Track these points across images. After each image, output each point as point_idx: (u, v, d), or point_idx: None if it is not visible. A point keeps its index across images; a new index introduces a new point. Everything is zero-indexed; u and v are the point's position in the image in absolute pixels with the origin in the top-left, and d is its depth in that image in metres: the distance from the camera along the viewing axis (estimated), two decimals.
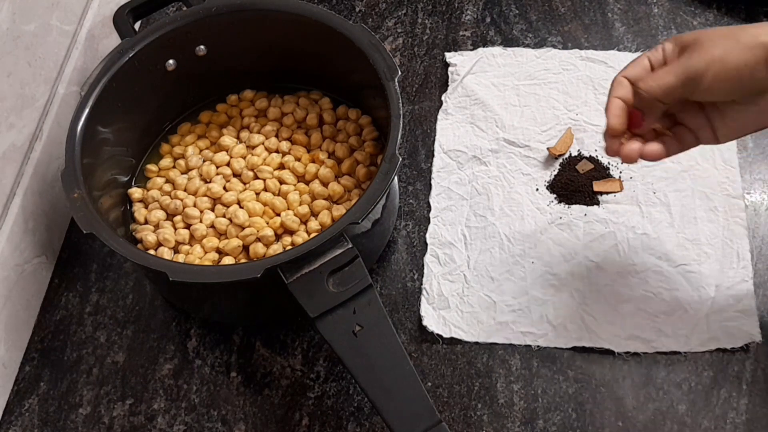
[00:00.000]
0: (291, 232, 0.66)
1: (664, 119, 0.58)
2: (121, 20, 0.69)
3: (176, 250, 0.66)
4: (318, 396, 0.62)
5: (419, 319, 0.65)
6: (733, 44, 0.52)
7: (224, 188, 0.68)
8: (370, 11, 0.84)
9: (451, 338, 0.64)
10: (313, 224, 0.66)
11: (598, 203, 0.69)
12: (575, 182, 0.70)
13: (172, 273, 0.55)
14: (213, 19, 0.69)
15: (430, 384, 0.62)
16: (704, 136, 0.57)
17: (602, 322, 0.63)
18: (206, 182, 0.69)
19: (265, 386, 0.63)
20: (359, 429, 0.61)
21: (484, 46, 0.80)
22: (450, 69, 0.79)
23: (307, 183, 0.69)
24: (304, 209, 0.66)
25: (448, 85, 0.78)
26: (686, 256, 0.66)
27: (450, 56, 0.79)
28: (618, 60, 0.77)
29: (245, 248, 0.65)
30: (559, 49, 0.79)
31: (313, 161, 0.70)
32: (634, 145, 0.57)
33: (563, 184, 0.70)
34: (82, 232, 0.57)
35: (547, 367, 0.62)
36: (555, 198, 0.70)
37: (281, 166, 0.70)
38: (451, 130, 0.75)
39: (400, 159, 0.58)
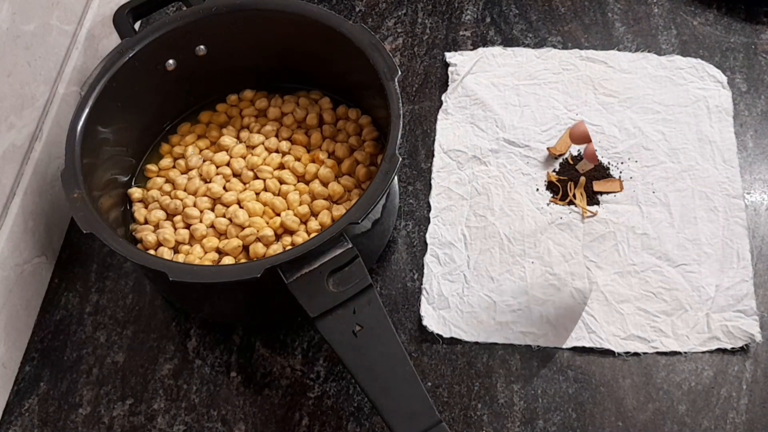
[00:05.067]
0: (291, 232, 0.66)
1: None
2: (121, 20, 0.69)
3: (176, 250, 0.66)
4: (318, 396, 0.62)
5: (419, 319, 0.65)
6: None
7: (224, 188, 0.68)
8: (370, 11, 0.84)
9: (451, 338, 0.64)
10: (313, 224, 0.66)
11: (598, 203, 0.69)
12: (575, 182, 0.70)
13: (172, 273, 0.55)
14: (213, 19, 0.69)
15: (430, 384, 0.62)
16: None
17: (602, 322, 0.63)
18: (206, 182, 0.69)
19: (265, 386, 0.63)
20: (359, 429, 0.61)
21: (484, 46, 0.80)
22: (450, 69, 0.79)
23: (307, 183, 0.69)
24: (304, 209, 0.66)
25: (448, 85, 0.78)
26: (686, 256, 0.66)
27: (450, 56, 0.79)
28: (618, 60, 0.77)
29: (245, 248, 0.65)
30: (559, 49, 0.79)
31: (313, 161, 0.70)
32: None
33: (563, 184, 0.70)
34: (82, 232, 0.57)
35: (547, 367, 0.62)
36: (555, 198, 0.70)
37: (281, 166, 0.70)
38: (451, 130, 0.75)
39: (400, 159, 0.58)
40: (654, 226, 0.67)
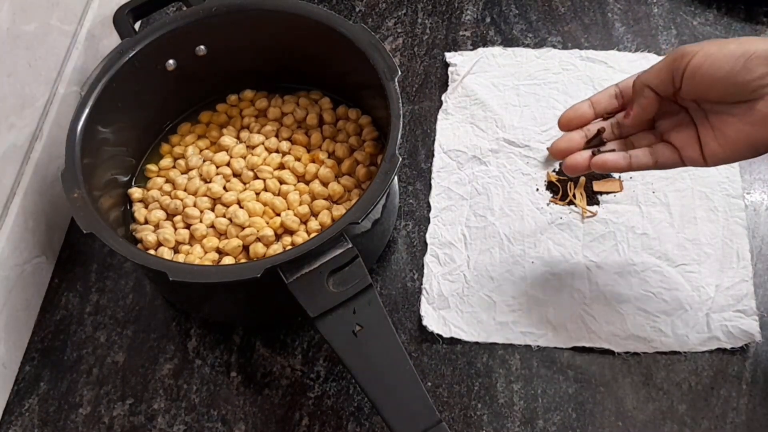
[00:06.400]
0: (291, 232, 0.66)
1: (650, 135, 0.58)
2: (121, 20, 0.69)
3: (176, 250, 0.66)
4: (318, 396, 0.62)
5: (419, 319, 0.65)
6: (731, 41, 0.52)
7: (224, 188, 0.68)
8: (370, 11, 0.84)
9: (451, 338, 0.64)
10: (313, 224, 0.66)
11: (598, 203, 0.69)
12: (575, 182, 0.70)
13: (172, 273, 0.55)
14: (213, 19, 0.69)
15: (430, 384, 0.62)
16: (689, 154, 0.55)
17: (602, 322, 0.63)
18: (206, 182, 0.69)
19: (265, 386, 0.63)
20: (359, 429, 0.61)
21: (484, 46, 0.80)
22: (450, 69, 0.79)
23: (307, 183, 0.69)
24: (304, 209, 0.66)
25: (448, 85, 0.78)
26: (686, 256, 0.66)
27: (450, 56, 0.79)
28: (618, 60, 0.77)
29: (245, 248, 0.65)
30: (559, 49, 0.79)
31: (313, 161, 0.70)
32: (578, 156, 0.57)
33: (563, 184, 0.70)
34: (82, 232, 0.57)
35: (547, 367, 0.62)
36: (555, 198, 0.70)
37: (281, 166, 0.70)
38: (451, 130, 0.75)
39: (400, 159, 0.58)
40: (654, 226, 0.67)
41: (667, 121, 0.57)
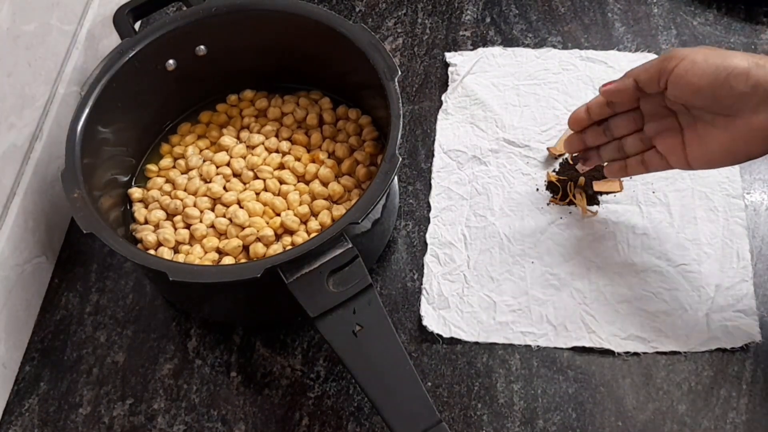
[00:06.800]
0: (291, 232, 0.66)
1: (638, 139, 0.60)
2: (121, 20, 0.69)
3: (176, 250, 0.66)
4: (318, 396, 0.62)
5: (419, 319, 0.65)
6: (718, 53, 0.53)
7: (224, 188, 0.68)
8: (370, 11, 0.84)
9: (451, 338, 0.64)
10: (313, 224, 0.66)
11: (598, 203, 0.69)
12: (575, 182, 0.70)
13: (172, 273, 0.55)
14: (213, 19, 0.69)
15: (430, 384, 0.62)
16: (674, 160, 0.58)
17: (602, 322, 0.63)
18: (206, 182, 0.69)
19: (265, 386, 0.63)
20: (359, 429, 0.61)
21: (484, 46, 0.80)
22: (450, 69, 0.79)
23: (307, 183, 0.69)
24: (304, 209, 0.66)
25: (448, 85, 0.78)
26: (686, 256, 0.66)
27: (450, 56, 0.79)
28: (618, 60, 0.77)
29: (245, 248, 0.65)
30: (559, 49, 0.79)
31: (313, 161, 0.70)
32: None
33: (563, 184, 0.70)
34: (82, 232, 0.57)
35: (547, 367, 0.62)
36: (555, 198, 0.70)
37: (281, 166, 0.70)
38: (451, 130, 0.75)
39: (400, 159, 0.58)
40: (654, 226, 0.67)
41: (654, 123, 0.59)
